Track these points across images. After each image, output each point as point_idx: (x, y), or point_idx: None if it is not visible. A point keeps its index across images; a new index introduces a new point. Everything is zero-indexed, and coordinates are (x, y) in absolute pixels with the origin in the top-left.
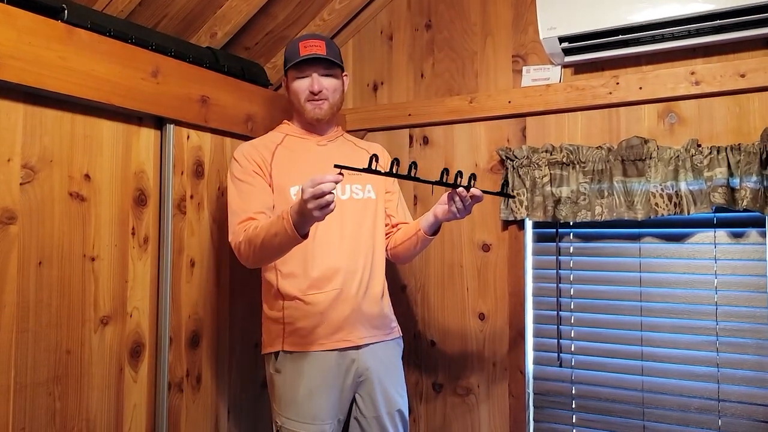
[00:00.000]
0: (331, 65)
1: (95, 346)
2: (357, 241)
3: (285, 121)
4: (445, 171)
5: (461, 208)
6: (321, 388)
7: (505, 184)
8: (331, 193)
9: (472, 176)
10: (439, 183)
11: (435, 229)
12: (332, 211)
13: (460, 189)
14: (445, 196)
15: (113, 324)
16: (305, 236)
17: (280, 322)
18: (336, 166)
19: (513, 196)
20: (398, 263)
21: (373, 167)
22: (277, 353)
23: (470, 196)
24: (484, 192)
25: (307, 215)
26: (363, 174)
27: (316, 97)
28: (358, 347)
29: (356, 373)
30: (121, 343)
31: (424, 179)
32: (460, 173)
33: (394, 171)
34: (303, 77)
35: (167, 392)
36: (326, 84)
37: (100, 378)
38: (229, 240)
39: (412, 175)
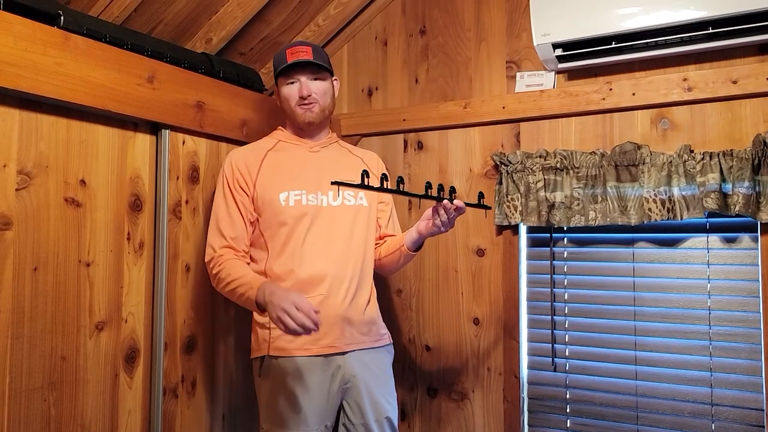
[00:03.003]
0: (318, 69)
1: (90, 351)
2: (347, 248)
3: (279, 127)
4: (428, 185)
5: (445, 221)
6: (306, 394)
7: (481, 195)
8: (297, 332)
9: (452, 189)
10: (425, 196)
11: (418, 246)
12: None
13: (445, 202)
14: (428, 211)
15: (108, 330)
16: (265, 310)
17: (266, 327)
18: (333, 182)
19: (489, 207)
20: (383, 274)
21: (366, 183)
22: (262, 358)
23: (454, 209)
24: (466, 204)
25: (270, 310)
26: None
27: (306, 101)
28: (343, 353)
29: (342, 379)
30: (116, 348)
31: (412, 193)
32: (441, 187)
33: (385, 186)
34: (291, 83)
35: (162, 398)
36: (315, 87)
37: (95, 384)
38: (206, 253)
39: (401, 189)
